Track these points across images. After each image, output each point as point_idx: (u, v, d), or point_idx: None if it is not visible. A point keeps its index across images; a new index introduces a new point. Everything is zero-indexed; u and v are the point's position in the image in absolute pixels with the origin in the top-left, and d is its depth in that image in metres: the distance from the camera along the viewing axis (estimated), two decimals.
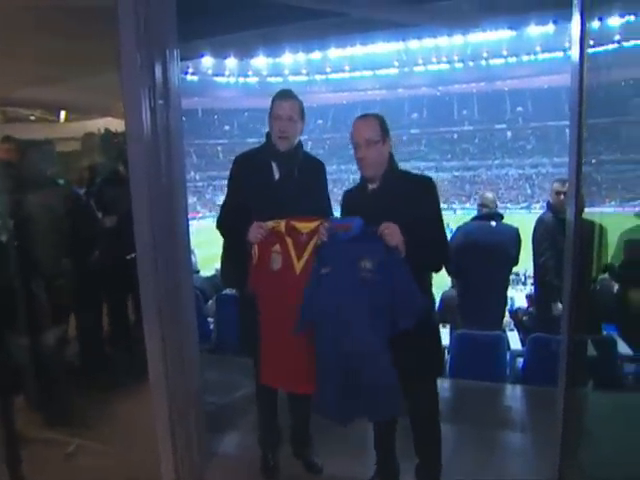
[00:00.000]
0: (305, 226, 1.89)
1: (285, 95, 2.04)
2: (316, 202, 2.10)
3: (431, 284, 2.00)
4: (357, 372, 1.71)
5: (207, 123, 58.05)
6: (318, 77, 63.35)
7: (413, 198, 1.79)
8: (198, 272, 5.26)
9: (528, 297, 6.42)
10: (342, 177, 52.72)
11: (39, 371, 2.69)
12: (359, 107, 55.99)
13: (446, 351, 3.33)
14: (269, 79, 61.94)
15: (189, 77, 57.45)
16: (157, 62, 1.94)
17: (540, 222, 3.44)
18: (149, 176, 1.95)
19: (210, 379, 3.32)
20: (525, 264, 3.63)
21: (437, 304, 4.71)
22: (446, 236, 1.90)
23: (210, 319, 4.04)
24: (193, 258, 4.81)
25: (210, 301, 4.25)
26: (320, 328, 1.80)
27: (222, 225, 2.12)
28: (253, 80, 59.19)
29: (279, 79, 62.75)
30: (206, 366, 3.36)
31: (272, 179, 2.07)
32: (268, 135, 2.10)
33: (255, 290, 1.97)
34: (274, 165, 2.08)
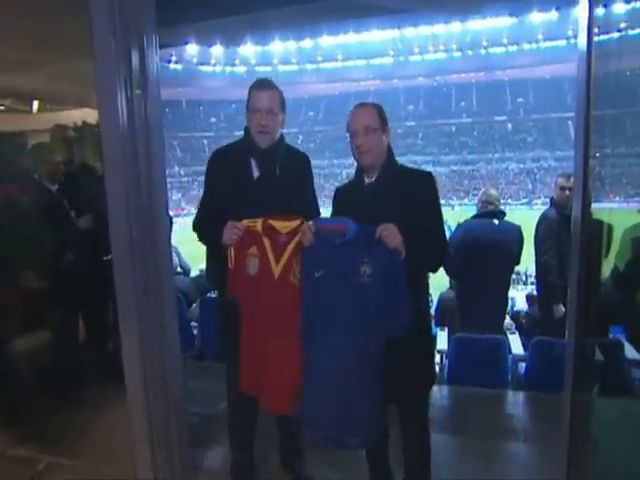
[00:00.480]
0: (284, 225, 1.85)
1: (263, 85, 1.98)
2: (301, 202, 2.05)
3: (428, 285, 1.99)
4: (350, 381, 1.71)
5: (192, 115, 57.74)
6: (309, 66, 63.34)
7: (412, 193, 1.78)
8: (183, 273, 5.21)
9: (528, 297, 6.45)
10: (335, 172, 52.86)
11: (6, 383, 2.63)
12: (352, 98, 56.04)
13: (444, 356, 3.33)
14: (257, 68, 61.78)
15: (172, 66, 57.15)
16: (134, 49, 1.89)
17: (543, 219, 3.45)
18: (125, 172, 1.90)
19: (194, 388, 3.29)
20: (526, 263, 3.64)
21: (434, 305, 4.75)
22: (445, 234, 1.89)
23: (194, 323, 4.00)
24: (176, 258, 4.79)
25: (194, 304, 4.21)
26: (313, 334, 1.78)
27: (197, 227, 2.07)
28: (241, 69, 59.06)
29: (268, 68, 62.58)
30: (189, 374, 3.35)
31: (251, 178, 2.02)
32: (247, 130, 2.06)
33: (234, 296, 1.93)
34: (253, 163, 2.03)
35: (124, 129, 1.88)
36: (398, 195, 1.79)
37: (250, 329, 1.92)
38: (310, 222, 1.84)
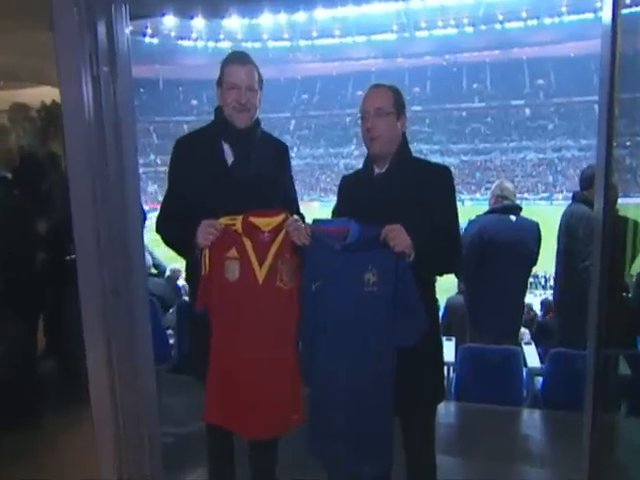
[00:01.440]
0: (267, 222, 1.82)
1: (241, 59, 1.97)
2: (280, 192, 2.04)
3: (435, 289, 1.99)
4: (361, 405, 1.71)
5: (170, 96, 57.60)
6: (303, 43, 63.36)
7: (426, 189, 1.79)
8: (158, 274, 5.19)
9: (543, 304, 6.49)
10: (331, 162, 52.92)
11: None
12: (351, 79, 56.28)
13: (451, 369, 3.34)
14: (245, 44, 61.66)
15: (148, 40, 56.95)
16: (100, 20, 1.89)
17: (571, 216, 3.43)
18: (91, 161, 1.90)
19: (170, 405, 3.30)
20: (545, 265, 3.63)
21: (441, 312, 4.76)
22: (460, 236, 1.91)
23: (171, 331, 3.98)
24: (150, 258, 4.77)
25: (171, 309, 4.19)
26: (314, 353, 1.78)
27: (162, 228, 2.00)
28: (225, 45, 58.91)
29: (257, 44, 62.51)
30: (165, 388, 3.34)
31: (224, 164, 2.00)
32: (218, 111, 2.04)
33: (208, 307, 1.88)
34: (226, 147, 2.01)
35: (89, 112, 1.87)
36: (410, 189, 1.80)
37: (225, 346, 1.87)
38: (296, 217, 1.83)
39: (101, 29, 1.89)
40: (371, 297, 1.67)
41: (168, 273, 5.23)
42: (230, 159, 1.99)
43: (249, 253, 1.82)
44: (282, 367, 1.85)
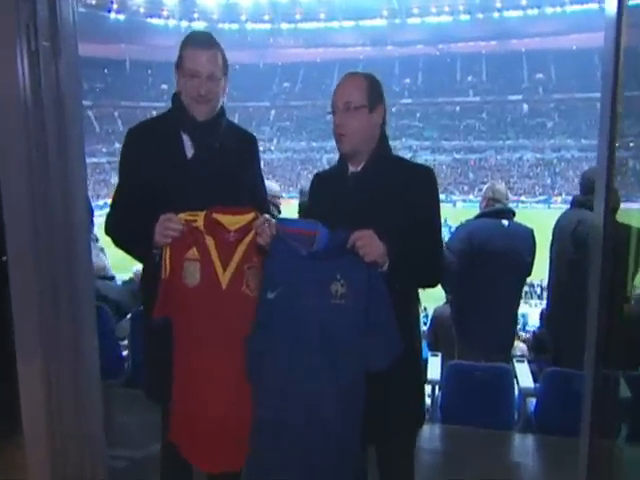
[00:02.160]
0: (233, 220, 1.77)
1: (203, 42, 1.91)
2: (246, 190, 2.00)
3: (418, 298, 1.96)
4: (318, 435, 1.64)
5: (138, 79, 57.30)
6: (285, 26, 63.60)
7: (405, 191, 1.77)
8: (112, 278, 5.07)
9: (543, 315, 6.53)
10: (313, 157, 53.25)
11: None
12: (337, 67, 56.54)
13: (436, 387, 3.31)
14: (221, 25, 61.68)
15: (113, 16, 56.49)
16: None
17: (579, 223, 3.43)
18: (27, 148, 1.86)
19: (122, 424, 3.24)
20: (541, 273, 3.65)
21: (427, 323, 4.74)
22: (443, 245, 1.90)
23: (124, 342, 3.89)
24: (104, 259, 4.66)
25: (125, 318, 4.09)
26: (267, 372, 1.70)
27: (112, 228, 1.95)
28: (200, 25, 58.81)
29: (234, 26, 62.59)
30: (117, 405, 3.25)
31: (183, 157, 1.95)
32: (175, 98, 1.98)
33: (166, 316, 1.81)
34: (185, 138, 1.96)
35: (25, 92, 1.83)
36: (388, 191, 1.77)
37: (186, 359, 1.81)
38: (267, 216, 1.78)
39: None
40: (338, 311, 1.62)
41: (131, 275, 5.11)
42: (190, 152, 1.95)
43: (211, 253, 1.76)
44: (248, 387, 1.78)
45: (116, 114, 51.23)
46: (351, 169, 1.86)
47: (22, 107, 1.83)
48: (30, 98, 1.85)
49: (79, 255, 2.12)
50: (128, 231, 1.90)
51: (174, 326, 1.81)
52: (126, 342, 3.92)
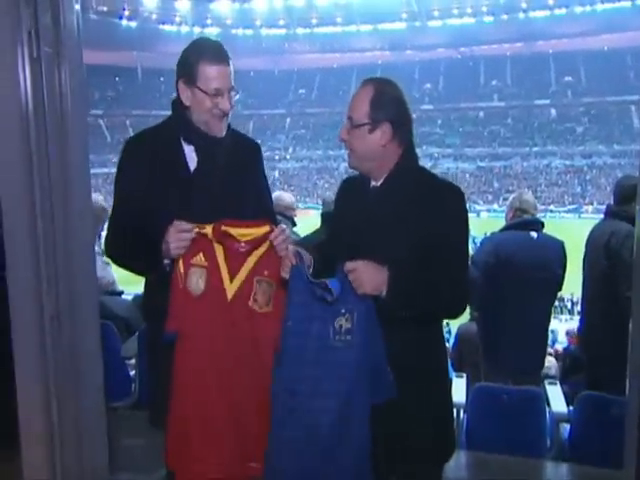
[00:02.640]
0: (244, 233, 1.75)
1: (220, 56, 1.89)
2: (251, 200, 1.98)
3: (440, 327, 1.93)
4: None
5: (150, 87, 58.17)
6: (300, 31, 64.20)
7: (426, 211, 1.71)
8: (121, 294, 5.08)
9: (569, 334, 6.42)
10: (330, 166, 53.46)
11: None
12: (354, 73, 56.84)
13: (461, 411, 3.24)
14: (235, 31, 62.49)
15: (125, 23, 57.54)
16: None
17: (612, 234, 3.36)
18: (28, 158, 1.86)
19: (129, 447, 3.19)
20: (572, 287, 3.59)
21: (450, 341, 4.66)
22: (467, 271, 1.85)
23: (132, 361, 3.88)
24: (112, 273, 4.67)
25: (133, 336, 4.08)
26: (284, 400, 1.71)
27: (114, 247, 1.95)
28: (213, 31, 59.58)
29: (248, 31, 63.34)
30: (123, 429, 3.23)
31: (185, 168, 1.94)
32: (176, 106, 1.97)
33: (178, 331, 1.79)
34: (188, 149, 1.95)
35: (27, 101, 1.83)
36: (406, 210, 1.72)
37: (186, 370, 1.79)
38: (283, 227, 1.77)
39: (43, 2, 1.84)
40: (342, 345, 1.64)
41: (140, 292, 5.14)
42: (192, 163, 1.95)
43: (219, 261, 1.75)
44: (252, 409, 1.77)
45: (128, 123, 51.97)
46: (372, 183, 1.82)
47: (23, 116, 1.83)
48: (32, 107, 1.85)
49: (82, 270, 2.12)
50: (132, 246, 1.88)
51: (179, 339, 1.79)
52: (133, 362, 3.91)
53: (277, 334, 1.71)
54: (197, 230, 1.75)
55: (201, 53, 1.88)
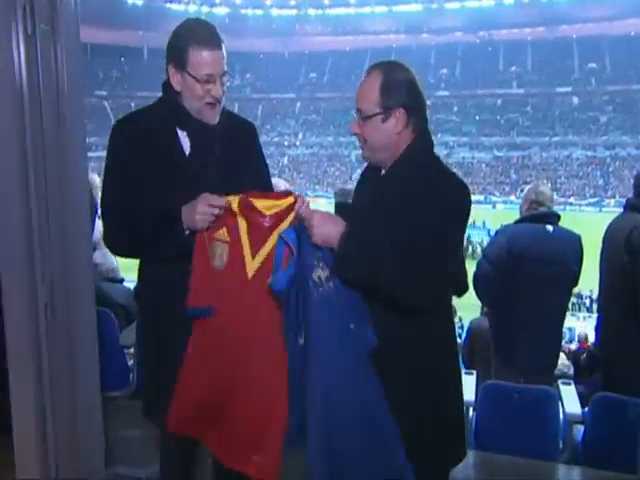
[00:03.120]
0: (269, 205, 1.73)
1: (212, 40, 1.86)
2: (250, 183, 1.93)
3: (450, 308, 1.90)
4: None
5: (156, 68, 57.76)
6: (312, 12, 63.87)
7: (427, 206, 1.66)
8: (122, 281, 5.10)
9: (581, 339, 6.41)
10: (341, 153, 53.39)
11: None
12: (368, 56, 56.49)
13: (470, 409, 3.24)
14: (244, 11, 62.19)
15: (131, 1, 57.46)
16: None
17: (635, 228, 3.33)
18: (21, 139, 1.85)
19: (127, 439, 3.26)
20: (591, 283, 3.57)
21: (462, 336, 4.65)
22: (435, 272, 1.71)
23: (130, 350, 3.90)
24: (112, 260, 4.69)
25: (132, 325, 4.10)
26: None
27: (121, 235, 1.93)
28: (222, 11, 59.36)
29: (258, 12, 63.02)
30: (121, 419, 3.25)
31: (180, 152, 1.94)
32: (167, 88, 1.95)
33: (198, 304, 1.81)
34: (181, 134, 1.95)
35: (21, 80, 1.82)
36: (407, 202, 1.67)
37: (203, 351, 1.82)
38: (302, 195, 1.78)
39: None
40: (330, 295, 1.66)
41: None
42: (187, 147, 1.95)
43: (242, 237, 1.75)
44: (267, 394, 1.78)
45: (133, 105, 51.95)
46: (382, 171, 1.82)
47: (17, 97, 1.82)
48: (26, 87, 1.84)
49: (78, 255, 2.12)
50: (143, 230, 1.87)
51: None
52: (132, 350, 3.93)
53: None
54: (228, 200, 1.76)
55: (191, 36, 1.84)
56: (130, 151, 1.92)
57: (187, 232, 1.80)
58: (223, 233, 1.76)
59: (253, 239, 1.75)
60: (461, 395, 1.92)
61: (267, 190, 2.05)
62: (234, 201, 1.74)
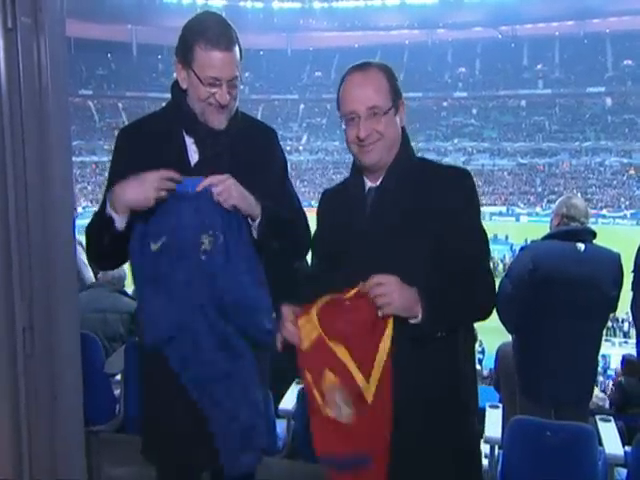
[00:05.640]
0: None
1: (223, 39, 1.85)
2: (266, 197, 1.93)
3: (474, 333, 1.95)
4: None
5: (147, 66, 58.71)
6: (317, 5, 64.39)
7: (439, 206, 1.72)
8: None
9: (623, 361, 6.35)
10: (348, 159, 52.71)
11: None
12: (378, 54, 56.93)
13: (495, 448, 3.20)
14: (243, 4, 62.79)
15: None
16: None
17: None
18: (2, 149, 1.84)
19: (114, 478, 3.28)
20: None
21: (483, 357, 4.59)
22: (489, 263, 1.86)
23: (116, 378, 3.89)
24: (123, 269, 4.68)
25: (118, 351, 4.09)
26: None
27: (89, 248, 2.01)
28: (218, 3, 59.97)
29: (258, 5, 63.58)
30: (106, 456, 3.23)
31: (185, 163, 1.94)
32: (176, 91, 1.97)
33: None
34: (189, 141, 1.96)
35: (1, 77, 1.81)
36: (416, 207, 1.73)
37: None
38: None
39: None
40: (204, 264, 1.77)
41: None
42: (194, 157, 1.96)
43: (347, 364, 1.66)
44: None
45: (120, 105, 52.56)
46: (369, 184, 1.83)
47: None
48: (5, 85, 1.83)
49: (61, 273, 2.09)
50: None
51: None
52: (118, 378, 3.92)
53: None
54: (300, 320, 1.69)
55: (200, 32, 1.84)
56: (130, 162, 1.91)
57: (123, 224, 1.81)
58: (330, 377, 1.68)
59: (357, 359, 1.65)
60: (475, 426, 1.94)
61: (292, 209, 2.06)
62: (313, 312, 1.66)
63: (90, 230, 1.99)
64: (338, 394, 1.67)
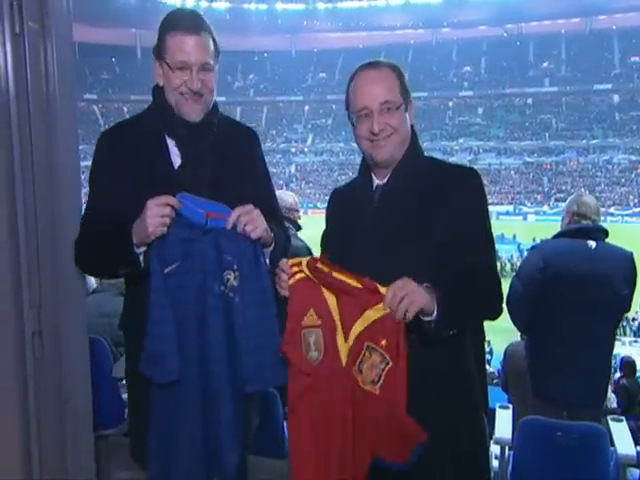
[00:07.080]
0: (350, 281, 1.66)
1: (189, 24, 1.89)
2: (248, 200, 1.89)
3: (483, 332, 2.03)
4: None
5: (151, 69, 58.01)
6: (321, 6, 64.44)
7: (447, 203, 1.76)
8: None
9: (622, 363, 6.33)
10: (353, 160, 53.41)
11: None
12: (382, 54, 56.86)
13: (506, 449, 3.20)
14: (247, 6, 62.84)
15: None
16: None
17: None
18: (10, 153, 1.85)
19: None
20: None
21: (493, 358, 4.59)
22: (495, 262, 1.86)
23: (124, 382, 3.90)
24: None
25: (123, 357, 4.10)
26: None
27: (83, 254, 1.99)
28: (222, 6, 60.00)
29: (262, 6, 63.65)
30: (114, 460, 3.25)
31: (168, 166, 1.95)
32: (157, 93, 1.98)
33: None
34: (171, 143, 1.97)
35: (8, 82, 1.82)
36: (422, 206, 1.77)
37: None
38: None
39: None
40: (223, 301, 1.75)
41: None
42: (177, 160, 1.97)
43: (332, 314, 1.68)
44: None
45: (125, 109, 52.63)
46: (376, 182, 1.87)
47: (4, 100, 1.82)
48: (13, 89, 1.84)
49: (70, 278, 2.11)
50: (101, 243, 1.91)
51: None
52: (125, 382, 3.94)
53: (378, 427, 1.64)
54: (293, 268, 1.70)
55: (169, 22, 1.90)
56: (112, 166, 1.94)
57: (142, 249, 1.79)
58: (312, 316, 1.69)
59: (344, 315, 1.66)
60: (482, 425, 1.95)
61: (270, 207, 2.04)
62: (303, 263, 1.68)
63: (95, 249, 1.98)
64: (314, 335, 1.69)
